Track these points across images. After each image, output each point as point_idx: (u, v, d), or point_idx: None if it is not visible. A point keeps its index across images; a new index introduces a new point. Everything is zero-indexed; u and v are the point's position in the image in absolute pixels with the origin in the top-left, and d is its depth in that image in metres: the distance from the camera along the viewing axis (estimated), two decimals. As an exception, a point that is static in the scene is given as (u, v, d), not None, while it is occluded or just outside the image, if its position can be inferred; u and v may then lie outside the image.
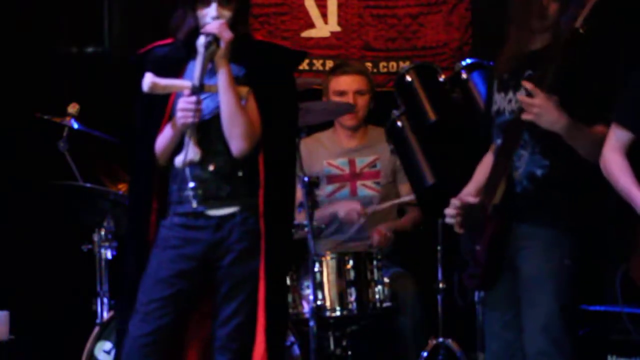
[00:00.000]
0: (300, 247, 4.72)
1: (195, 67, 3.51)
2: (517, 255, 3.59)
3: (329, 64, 5.89)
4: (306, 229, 4.64)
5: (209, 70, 3.54)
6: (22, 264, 5.54)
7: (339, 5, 5.95)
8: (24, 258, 5.54)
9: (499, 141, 3.67)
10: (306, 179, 4.66)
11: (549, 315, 3.50)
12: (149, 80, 3.53)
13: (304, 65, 5.92)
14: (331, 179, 5.22)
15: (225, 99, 3.53)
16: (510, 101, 3.64)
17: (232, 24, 3.57)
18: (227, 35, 3.51)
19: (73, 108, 5.00)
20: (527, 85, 3.45)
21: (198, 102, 3.50)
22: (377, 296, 4.76)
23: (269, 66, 3.65)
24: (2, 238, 5.52)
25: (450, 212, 3.70)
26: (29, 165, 5.52)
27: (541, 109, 3.44)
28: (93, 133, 5.04)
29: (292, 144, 3.85)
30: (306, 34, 5.97)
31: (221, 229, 3.60)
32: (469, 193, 3.74)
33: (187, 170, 3.59)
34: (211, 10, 3.55)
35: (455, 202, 3.71)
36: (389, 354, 4.98)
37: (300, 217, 4.73)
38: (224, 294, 3.59)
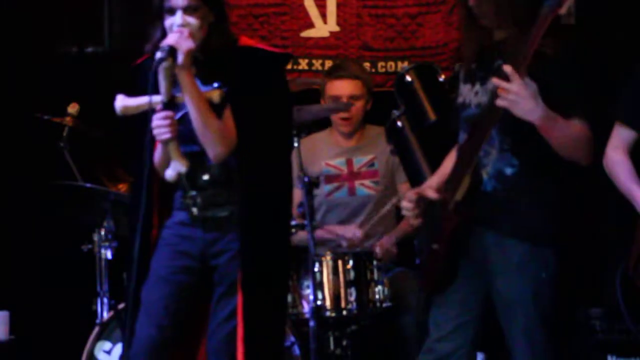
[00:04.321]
0: (300, 248, 4.73)
1: (159, 83, 3.45)
2: (487, 267, 3.37)
3: (328, 63, 5.89)
4: (306, 229, 4.64)
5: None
6: (22, 264, 5.54)
7: (338, 5, 5.96)
8: (24, 258, 5.55)
9: (463, 135, 3.46)
10: (306, 179, 4.66)
11: (532, 340, 3.31)
12: (119, 103, 3.51)
13: (303, 65, 5.93)
14: (329, 178, 5.22)
15: (192, 108, 3.48)
16: (477, 93, 3.41)
17: (209, 32, 3.53)
18: (185, 45, 3.42)
19: (73, 108, 5.00)
20: (507, 68, 3.13)
21: (170, 117, 3.46)
22: (377, 296, 4.75)
23: (251, 71, 3.59)
24: (2, 238, 5.52)
25: (407, 205, 3.48)
26: (29, 165, 5.52)
27: (518, 95, 3.12)
28: (93, 133, 5.04)
29: (280, 147, 3.73)
30: (305, 33, 5.97)
31: (217, 227, 3.59)
32: (431, 186, 3.52)
33: (185, 180, 3.59)
34: (176, 19, 3.49)
35: (411, 195, 3.49)
36: (389, 354, 4.98)
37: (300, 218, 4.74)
38: (220, 296, 3.58)
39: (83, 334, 4.82)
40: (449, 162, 3.54)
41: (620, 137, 3.84)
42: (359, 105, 5.16)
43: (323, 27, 5.98)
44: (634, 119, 3.81)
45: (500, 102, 3.14)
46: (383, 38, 5.94)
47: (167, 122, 3.46)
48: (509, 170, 3.32)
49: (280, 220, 3.70)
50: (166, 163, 3.57)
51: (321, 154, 5.26)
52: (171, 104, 3.48)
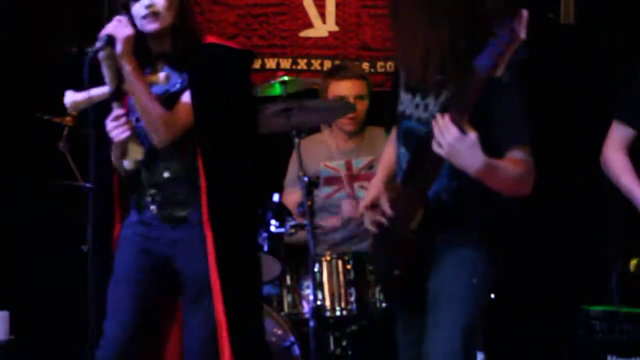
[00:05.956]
0: (299, 247, 4.73)
1: (103, 73, 3.47)
2: (428, 272, 3.27)
3: (327, 64, 5.90)
4: (306, 229, 4.64)
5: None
6: (22, 264, 5.54)
7: (337, 5, 5.96)
8: (24, 258, 5.54)
9: (401, 148, 3.33)
10: (306, 178, 4.66)
11: (450, 341, 3.14)
12: (69, 98, 3.51)
13: (302, 65, 5.94)
14: (328, 180, 5.21)
15: (134, 95, 3.48)
16: (417, 106, 3.24)
17: (176, 20, 3.52)
18: (123, 32, 3.43)
19: (73, 108, 5.00)
20: (446, 122, 2.96)
21: (121, 117, 3.47)
22: (377, 296, 4.76)
23: (216, 68, 3.57)
24: (2, 238, 5.52)
25: (373, 229, 3.36)
26: (29, 165, 5.52)
27: (453, 148, 2.96)
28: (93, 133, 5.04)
29: (243, 146, 3.66)
30: (304, 33, 5.98)
31: (177, 229, 3.58)
32: (380, 189, 3.38)
33: (144, 178, 3.59)
34: (143, 0, 3.50)
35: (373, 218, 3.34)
36: (389, 354, 4.97)
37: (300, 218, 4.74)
38: (190, 302, 3.56)
39: (83, 334, 4.81)
40: (388, 162, 3.47)
41: (618, 135, 3.85)
42: (364, 105, 5.17)
43: (322, 27, 5.98)
44: (633, 117, 3.83)
45: (439, 151, 3.01)
46: (382, 38, 5.94)
47: (121, 121, 3.48)
48: (444, 196, 3.20)
49: (247, 219, 3.65)
50: (122, 156, 3.58)
51: (320, 154, 5.26)
52: (119, 95, 3.47)
